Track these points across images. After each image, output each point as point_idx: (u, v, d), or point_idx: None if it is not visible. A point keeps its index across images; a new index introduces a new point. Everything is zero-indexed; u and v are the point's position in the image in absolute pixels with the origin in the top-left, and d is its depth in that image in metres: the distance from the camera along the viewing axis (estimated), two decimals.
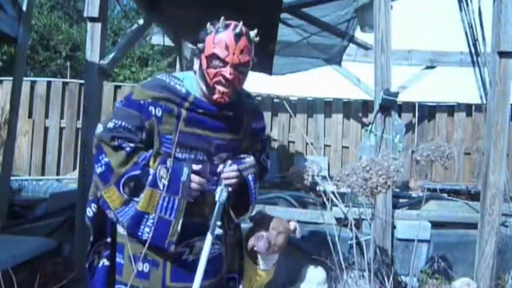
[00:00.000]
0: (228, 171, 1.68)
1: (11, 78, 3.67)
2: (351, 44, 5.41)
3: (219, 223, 1.66)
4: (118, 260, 1.71)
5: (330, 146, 6.29)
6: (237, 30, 1.56)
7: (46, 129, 5.96)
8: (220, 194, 1.67)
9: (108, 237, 1.75)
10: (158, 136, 1.63)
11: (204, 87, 1.63)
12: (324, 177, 2.40)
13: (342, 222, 2.94)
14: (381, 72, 3.00)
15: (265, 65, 5.08)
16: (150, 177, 1.58)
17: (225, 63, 1.56)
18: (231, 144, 1.73)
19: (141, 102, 1.61)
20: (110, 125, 1.61)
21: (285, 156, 6.14)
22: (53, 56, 9.57)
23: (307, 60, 5.68)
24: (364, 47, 5.49)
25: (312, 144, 6.23)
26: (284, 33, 4.68)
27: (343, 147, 6.27)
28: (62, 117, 5.99)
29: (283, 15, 4.38)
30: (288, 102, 6.18)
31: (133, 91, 1.68)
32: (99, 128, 1.64)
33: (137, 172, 1.58)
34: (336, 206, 2.83)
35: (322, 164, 3.32)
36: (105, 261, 1.74)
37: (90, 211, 1.71)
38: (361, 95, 5.84)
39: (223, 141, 1.70)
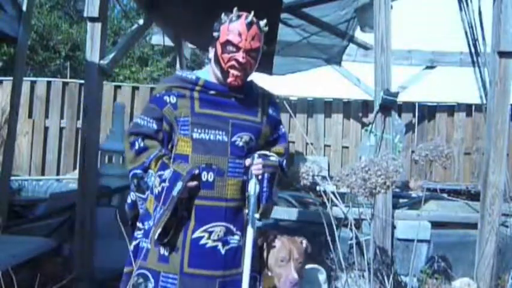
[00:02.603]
0: (257, 164, 1.79)
1: (11, 78, 3.66)
2: (351, 44, 5.40)
3: (257, 215, 1.76)
4: (145, 245, 1.78)
5: (329, 146, 6.28)
6: (249, 19, 1.75)
7: (46, 129, 5.96)
8: (254, 188, 1.76)
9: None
10: (176, 120, 1.79)
11: (218, 73, 1.80)
12: (324, 177, 2.40)
13: (342, 222, 2.93)
14: (381, 72, 3.00)
15: (265, 65, 5.07)
16: (150, 183, 1.76)
17: (238, 48, 1.74)
18: (249, 125, 1.83)
19: (157, 95, 1.83)
20: (136, 120, 1.85)
21: None
22: (52, 56, 9.56)
23: (307, 60, 5.67)
24: (364, 47, 5.48)
25: (312, 144, 6.23)
26: (284, 33, 4.68)
27: (343, 147, 6.26)
28: (62, 117, 5.98)
29: (283, 15, 4.38)
30: (288, 102, 6.17)
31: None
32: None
33: (138, 171, 1.79)
34: (336, 206, 2.83)
35: (322, 164, 3.31)
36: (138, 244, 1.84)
37: (129, 198, 1.89)
38: (361, 95, 5.83)
39: (240, 121, 1.80)
